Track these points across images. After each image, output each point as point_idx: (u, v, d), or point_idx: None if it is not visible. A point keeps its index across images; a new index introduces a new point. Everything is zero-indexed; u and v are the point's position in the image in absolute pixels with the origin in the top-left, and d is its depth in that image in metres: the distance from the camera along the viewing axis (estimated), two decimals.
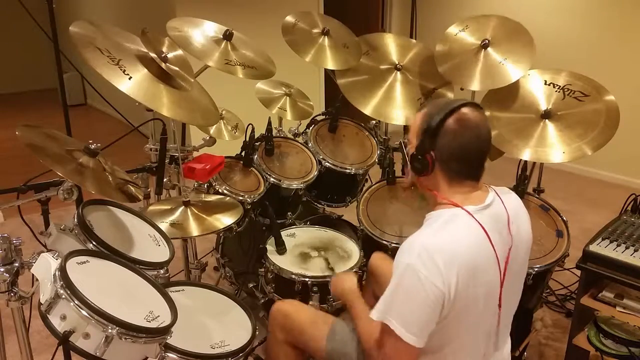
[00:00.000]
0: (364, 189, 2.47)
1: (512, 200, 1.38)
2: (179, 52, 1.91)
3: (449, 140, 1.25)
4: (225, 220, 1.96)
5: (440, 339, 1.27)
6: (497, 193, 1.35)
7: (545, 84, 2.36)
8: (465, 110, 1.26)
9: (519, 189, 2.21)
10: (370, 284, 1.88)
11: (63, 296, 1.16)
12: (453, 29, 2.55)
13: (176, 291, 1.72)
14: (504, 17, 2.50)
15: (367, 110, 2.48)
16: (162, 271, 1.55)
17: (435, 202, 1.34)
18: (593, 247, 1.86)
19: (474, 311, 1.26)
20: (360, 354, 1.50)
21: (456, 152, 1.26)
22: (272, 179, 2.33)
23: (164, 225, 1.81)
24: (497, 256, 1.25)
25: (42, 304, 1.20)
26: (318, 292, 1.91)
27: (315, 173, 2.45)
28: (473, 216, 1.24)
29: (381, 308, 1.24)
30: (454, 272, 1.17)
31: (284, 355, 1.67)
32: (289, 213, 2.44)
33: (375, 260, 1.86)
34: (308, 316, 1.66)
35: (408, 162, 1.35)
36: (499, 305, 1.31)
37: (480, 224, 1.24)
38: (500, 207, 1.32)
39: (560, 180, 4.37)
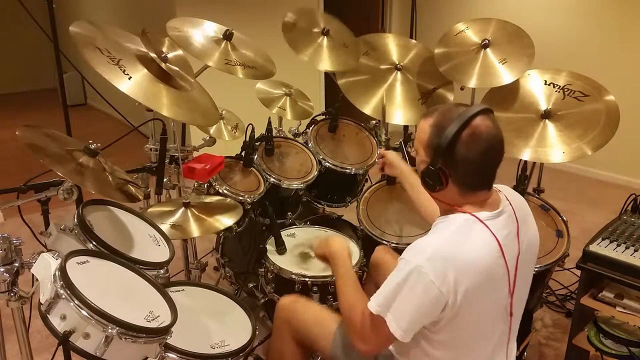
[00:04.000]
0: (364, 189, 2.47)
1: (520, 203, 1.36)
2: (179, 52, 1.91)
3: (463, 157, 1.21)
4: (225, 221, 1.96)
5: (451, 346, 1.27)
6: (506, 197, 1.32)
7: (545, 84, 2.36)
8: (477, 122, 1.21)
9: (519, 189, 2.21)
10: (372, 278, 1.89)
11: (63, 296, 1.16)
12: (454, 30, 2.55)
13: (176, 291, 1.72)
14: (504, 21, 2.51)
15: (367, 109, 2.49)
16: (162, 271, 1.55)
17: (447, 210, 1.31)
18: (593, 247, 1.86)
19: (484, 320, 1.26)
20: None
21: (470, 166, 1.23)
22: (272, 179, 2.33)
23: (164, 227, 1.81)
24: (507, 265, 1.24)
25: (42, 304, 1.20)
26: (318, 292, 1.91)
27: (315, 173, 2.45)
28: (486, 224, 1.22)
29: (381, 302, 1.24)
30: (464, 281, 1.17)
31: (289, 351, 1.66)
32: (289, 213, 2.44)
33: (379, 253, 1.87)
34: (315, 313, 1.66)
35: (419, 177, 1.31)
36: (510, 314, 1.31)
37: (493, 233, 1.22)
38: (511, 213, 1.30)
39: (560, 180, 4.37)
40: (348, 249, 1.60)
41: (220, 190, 2.20)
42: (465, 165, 1.22)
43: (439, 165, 1.23)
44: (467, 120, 1.20)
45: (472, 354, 1.32)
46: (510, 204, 1.31)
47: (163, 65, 1.71)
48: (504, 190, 1.36)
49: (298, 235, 2.23)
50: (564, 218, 2.16)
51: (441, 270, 1.16)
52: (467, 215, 1.24)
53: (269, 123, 2.45)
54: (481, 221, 1.23)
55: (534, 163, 2.44)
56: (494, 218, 1.25)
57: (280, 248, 2.07)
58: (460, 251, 1.19)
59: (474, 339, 1.30)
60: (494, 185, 1.34)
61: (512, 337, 1.38)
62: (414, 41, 2.87)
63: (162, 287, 1.43)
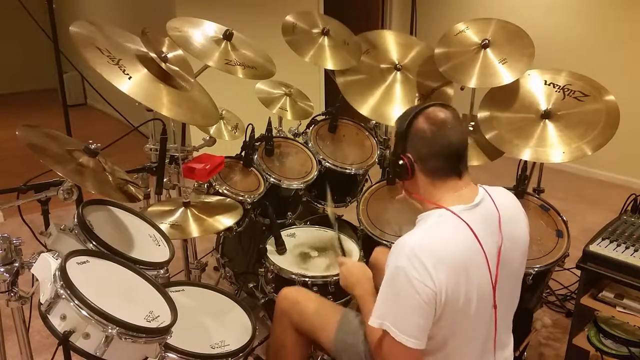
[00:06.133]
0: (364, 189, 2.47)
1: (506, 199, 1.38)
2: (179, 52, 1.90)
3: (420, 139, 1.29)
4: (225, 221, 1.96)
5: (437, 341, 1.27)
6: (487, 192, 1.35)
7: (545, 84, 2.36)
8: (432, 109, 1.30)
9: (519, 189, 2.21)
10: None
11: (63, 296, 1.16)
12: (454, 30, 2.55)
13: (176, 291, 1.72)
14: (504, 21, 2.51)
15: (364, 110, 2.48)
16: (162, 271, 1.55)
17: (423, 206, 1.35)
18: (593, 247, 1.86)
19: (468, 312, 1.26)
20: (367, 345, 1.50)
21: (429, 149, 1.29)
22: (272, 179, 2.33)
23: (164, 226, 1.81)
24: (485, 255, 1.26)
25: (42, 304, 1.20)
26: (318, 292, 1.91)
27: (315, 173, 2.45)
28: (459, 216, 1.25)
29: (377, 313, 1.26)
30: (443, 272, 1.18)
31: (290, 340, 1.66)
32: (289, 213, 2.44)
33: (377, 254, 1.86)
34: (317, 304, 1.66)
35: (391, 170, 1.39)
36: (494, 306, 1.31)
37: (467, 224, 1.25)
38: (491, 205, 1.32)
39: (560, 180, 4.37)
40: (363, 274, 1.57)
41: (220, 190, 2.20)
42: (424, 147, 1.29)
43: (400, 151, 1.32)
44: (422, 108, 1.31)
45: (459, 350, 1.31)
46: (491, 197, 1.33)
47: (163, 65, 1.71)
48: (492, 190, 1.38)
49: (298, 235, 2.23)
50: (564, 218, 2.16)
51: (420, 266, 1.18)
52: (442, 210, 1.28)
53: (269, 123, 2.45)
54: (455, 214, 1.26)
55: (534, 163, 2.44)
56: (469, 210, 1.28)
57: (280, 248, 2.07)
58: (436, 244, 1.22)
59: (460, 335, 1.29)
60: (484, 187, 1.36)
61: (500, 330, 1.36)
62: (414, 38, 2.86)
63: (162, 287, 1.43)
